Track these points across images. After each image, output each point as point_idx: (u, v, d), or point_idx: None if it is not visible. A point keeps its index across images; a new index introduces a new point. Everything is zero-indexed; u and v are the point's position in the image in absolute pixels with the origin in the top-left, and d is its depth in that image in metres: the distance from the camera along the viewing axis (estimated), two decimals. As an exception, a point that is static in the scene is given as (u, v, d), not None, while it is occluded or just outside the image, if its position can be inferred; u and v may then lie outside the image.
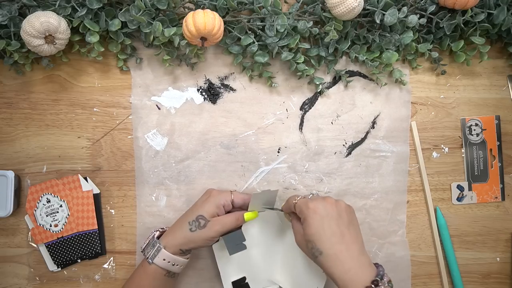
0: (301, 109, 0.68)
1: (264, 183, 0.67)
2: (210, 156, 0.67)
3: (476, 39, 0.65)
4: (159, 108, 0.67)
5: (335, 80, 0.69)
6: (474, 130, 0.68)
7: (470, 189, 0.68)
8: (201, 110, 0.67)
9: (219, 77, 0.68)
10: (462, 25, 0.64)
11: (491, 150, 0.69)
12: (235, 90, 0.68)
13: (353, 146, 0.68)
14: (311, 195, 0.58)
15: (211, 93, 0.67)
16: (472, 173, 0.68)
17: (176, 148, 0.67)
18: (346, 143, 0.68)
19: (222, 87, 0.68)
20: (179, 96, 0.67)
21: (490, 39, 0.69)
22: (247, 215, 0.60)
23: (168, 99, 0.67)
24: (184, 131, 0.67)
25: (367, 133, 0.69)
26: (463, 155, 0.68)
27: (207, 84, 0.68)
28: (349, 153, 0.68)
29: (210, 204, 0.58)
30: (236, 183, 0.67)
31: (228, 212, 0.61)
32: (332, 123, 0.68)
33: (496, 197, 0.68)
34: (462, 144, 0.68)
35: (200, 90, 0.67)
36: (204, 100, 0.67)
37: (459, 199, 0.68)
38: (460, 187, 0.68)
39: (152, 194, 0.66)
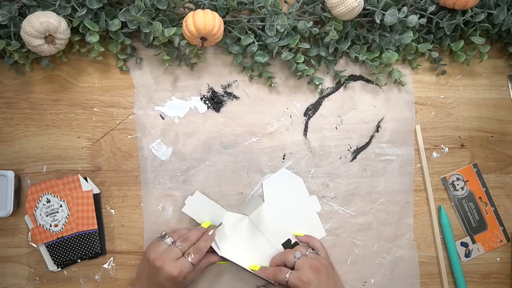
0: (305, 114, 0.68)
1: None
2: (216, 165, 0.67)
3: (476, 39, 0.65)
4: (163, 118, 0.67)
5: (338, 85, 0.69)
6: (458, 185, 0.69)
7: (473, 242, 0.68)
8: (205, 118, 0.67)
9: (222, 85, 0.68)
10: (462, 25, 0.64)
11: (480, 198, 0.69)
12: (238, 97, 0.68)
13: (358, 151, 0.68)
14: (296, 259, 0.60)
15: (215, 101, 0.67)
16: (470, 226, 0.68)
17: (181, 157, 0.66)
18: (351, 148, 0.68)
19: (225, 95, 0.68)
20: (183, 105, 0.67)
21: (490, 39, 0.69)
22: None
23: (172, 108, 0.67)
24: (189, 140, 0.67)
25: (372, 137, 0.69)
26: (456, 213, 0.69)
27: (210, 93, 0.67)
28: (354, 158, 0.68)
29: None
30: (241, 191, 0.67)
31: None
32: (336, 128, 0.68)
33: (501, 241, 0.69)
34: (451, 202, 0.69)
35: (204, 98, 0.67)
36: (208, 108, 0.67)
37: (467, 255, 0.68)
38: (464, 244, 0.68)
39: (158, 204, 0.66)
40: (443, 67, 0.70)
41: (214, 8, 0.62)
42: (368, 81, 0.69)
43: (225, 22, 0.62)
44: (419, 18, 0.64)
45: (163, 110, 0.67)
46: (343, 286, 0.62)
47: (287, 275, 0.58)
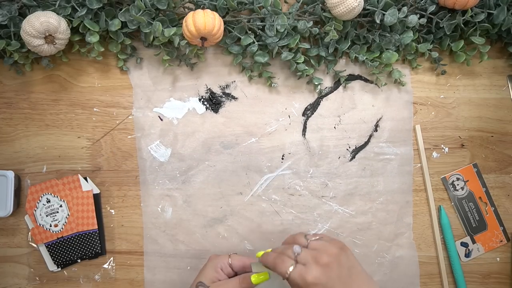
0: (303, 114, 0.68)
1: (269, 190, 0.67)
2: (214, 166, 0.67)
3: (476, 39, 0.65)
4: (161, 119, 0.67)
5: (336, 85, 0.69)
6: (458, 185, 0.69)
7: (474, 242, 0.68)
8: (203, 119, 0.67)
9: (220, 86, 0.68)
10: (462, 25, 0.64)
11: (480, 198, 0.69)
12: (236, 98, 0.68)
13: (357, 150, 0.68)
14: (296, 255, 0.50)
15: (213, 102, 0.67)
16: (470, 226, 0.68)
17: (180, 158, 0.66)
18: (349, 147, 0.68)
19: (223, 96, 0.68)
20: (181, 107, 0.67)
21: (490, 39, 0.69)
22: (254, 277, 0.52)
23: (170, 110, 0.67)
24: (188, 141, 0.67)
25: (370, 136, 0.69)
26: (456, 213, 0.69)
27: (208, 94, 0.67)
28: (353, 157, 0.68)
29: (208, 269, 0.54)
30: (241, 191, 0.67)
31: (231, 276, 0.56)
32: (335, 127, 0.68)
33: (501, 241, 0.69)
34: (451, 202, 0.69)
35: (202, 99, 0.67)
36: (206, 109, 0.67)
37: (467, 255, 0.68)
38: (464, 244, 0.68)
39: (157, 206, 0.66)
40: (443, 67, 0.70)
41: (214, 8, 0.62)
42: (367, 80, 0.69)
43: (225, 22, 0.62)
44: (419, 18, 0.64)
45: (162, 111, 0.67)
46: (360, 266, 0.51)
47: (289, 270, 0.48)
